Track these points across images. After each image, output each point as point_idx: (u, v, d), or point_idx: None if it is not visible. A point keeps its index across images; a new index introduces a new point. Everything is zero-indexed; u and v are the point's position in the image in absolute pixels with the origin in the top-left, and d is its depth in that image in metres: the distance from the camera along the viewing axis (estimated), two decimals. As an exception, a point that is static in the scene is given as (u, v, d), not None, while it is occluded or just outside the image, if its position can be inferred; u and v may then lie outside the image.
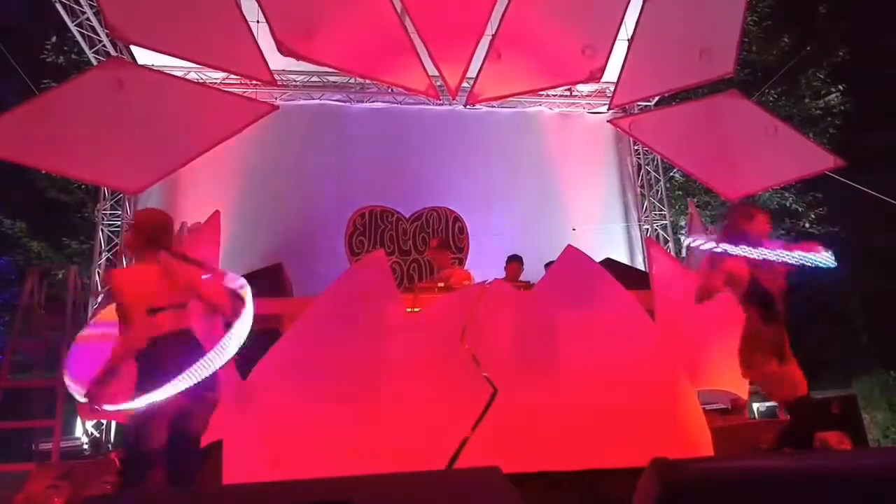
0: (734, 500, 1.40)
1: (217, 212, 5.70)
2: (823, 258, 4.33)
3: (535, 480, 4.34)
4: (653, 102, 11.33)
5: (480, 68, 6.25)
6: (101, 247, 10.92)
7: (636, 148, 12.73)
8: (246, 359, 4.80)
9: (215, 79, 10.42)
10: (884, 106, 17.83)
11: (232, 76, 9.83)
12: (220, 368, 3.76)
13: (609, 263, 7.90)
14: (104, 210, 11.03)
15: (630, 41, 6.45)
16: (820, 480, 1.46)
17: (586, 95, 12.43)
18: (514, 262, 7.96)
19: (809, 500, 1.41)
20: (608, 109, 11.35)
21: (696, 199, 12.60)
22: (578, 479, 4.58)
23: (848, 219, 16.20)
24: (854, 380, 14.41)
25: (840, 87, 16.49)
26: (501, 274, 7.80)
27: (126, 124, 5.41)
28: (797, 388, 4.36)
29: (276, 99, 10.98)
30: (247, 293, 3.93)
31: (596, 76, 6.43)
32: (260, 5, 5.68)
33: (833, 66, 16.66)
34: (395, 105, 12.07)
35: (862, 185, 9.06)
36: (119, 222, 11.00)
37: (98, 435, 9.25)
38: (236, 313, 3.85)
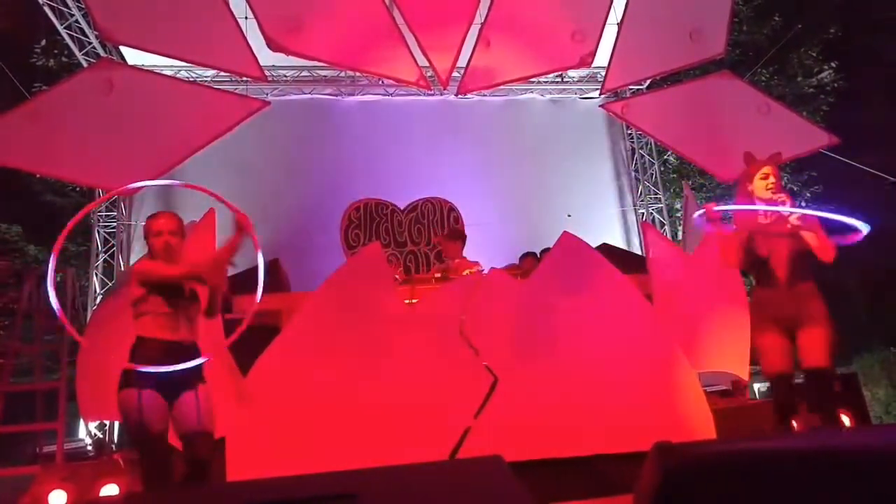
0: (738, 482, 1.40)
1: (212, 210, 5.70)
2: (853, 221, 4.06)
3: (538, 468, 4.35)
4: (645, 85, 11.30)
5: (470, 57, 6.25)
6: (97, 249, 10.92)
7: (629, 132, 12.73)
8: (246, 355, 4.81)
9: (206, 77, 10.41)
10: (877, 82, 17.78)
11: (222, 73, 9.79)
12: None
13: (606, 248, 7.89)
14: (99, 212, 11.01)
15: (619, 25, 6.43)
16: (823, 460, 1.46)
17: (577, 81, 12.42)
18: (530, 257, 7.58)
19: (813, 480, 1.41)
20: (600, 94, 11.30)
21: (691, 182, 12.59)
22: (581, 465, 4.60)
23: (844, 197, 16.15)
24: (855, 357, 14.42)
25: (832, 64, 16.43)
26: (498, 263, 7.59)
27: (118, 125, 5.39)
28: (780, 363, 4.04)
29: (267, 95, 10.94)
30: None
31: (587, 61, 6.42)
32: (248, 2, 5.67)
33: (825, 42, 16.60)
34: (387, 97, 12.06)
35: (857, 162, 9.03)
36: (115, 224, 10.99)
37: (101, 436, 9.27)
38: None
